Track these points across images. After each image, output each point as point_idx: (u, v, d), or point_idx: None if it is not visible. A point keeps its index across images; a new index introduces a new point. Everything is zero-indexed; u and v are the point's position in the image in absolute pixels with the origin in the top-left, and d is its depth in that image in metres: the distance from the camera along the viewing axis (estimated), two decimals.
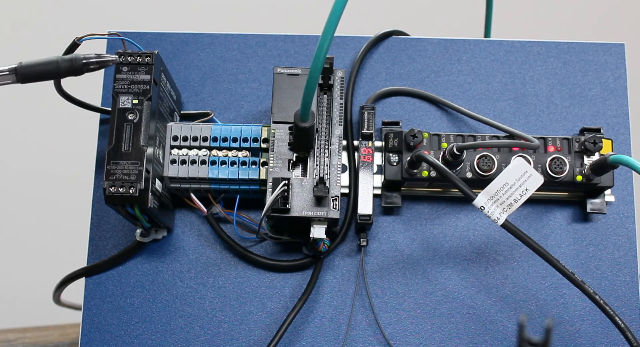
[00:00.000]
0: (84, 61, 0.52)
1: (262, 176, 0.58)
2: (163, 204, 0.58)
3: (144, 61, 0.54)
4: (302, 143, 0.55)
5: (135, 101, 0.54)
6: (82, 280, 0.62)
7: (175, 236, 0.62)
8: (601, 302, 0.55)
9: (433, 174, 0.59)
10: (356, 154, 0.62)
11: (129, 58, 0.54)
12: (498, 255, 0.62)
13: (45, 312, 0.99)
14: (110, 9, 1.36)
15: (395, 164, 0.60)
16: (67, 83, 0.59)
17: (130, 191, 0.52)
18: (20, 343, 0.84)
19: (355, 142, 0.62)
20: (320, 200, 0.55)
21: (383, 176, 0.60)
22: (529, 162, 0.58)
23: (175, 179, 0.58)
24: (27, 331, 0.86)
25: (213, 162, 0.58)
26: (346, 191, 0.61)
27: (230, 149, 0.59)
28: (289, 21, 1.37)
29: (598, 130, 0.61)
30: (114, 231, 0.62)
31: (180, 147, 0.58)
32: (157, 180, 0.55)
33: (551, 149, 0.60)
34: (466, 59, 0.66)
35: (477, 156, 0.59)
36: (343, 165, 0.62)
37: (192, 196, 0.60)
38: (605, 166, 0.57)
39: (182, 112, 0.64)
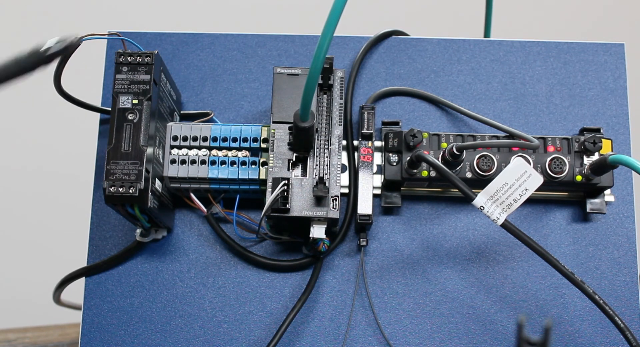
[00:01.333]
0: (47, 53, 0.50)
1: (262, 176, 0.58)
2: (163, 204, 0.58)
3: (144, 61, 0.54)
4: (302, 143, 0.55)
5: (135, 101, 0.54)
6: (82, 280, 0.62)
7: (175, 236, 0.62)
8: (601, 302, 0.55)
9: (433, 174, 0.59)
10: (356, 154, 0.62)
11: (129, 58, 0.54)
12: (498, 255, 0.62)
13: (45, 312, 0.99)
14: (110, 9, 1.36)
15: (395, 164, 0.60)
16: (67, 83, 0.59)
17: (130, 191, 0.52)
18: (20, 343, 0.84)
19: (355, 142, 0.62)
20: (320, 200, 0.55)
21: (383, 176, 0.60)
22: (529, 162, 0.59)
23: (175, 179, 0.58)
24: (27, 331, 0.86)
25: (213, 162, 0.58)
26: (346, 190, 0.61)
27: (230, 149, 0.59)
28: (289, 21, 1.37)
29: (598, 130, 0.62)
30: (114, 231, 0.63)
31: (180, 147, 0.58)
32: (157, 180, 0.55)
33: (551, 149, 0.60)
34: (466, 59, 0.66)
35: (477, 156, 0.59)
36: (343, 165, 0.62)
37: (192, 195, 0.60)
38: (604, 166, 0.57)
39: (182, 112, 0.64)
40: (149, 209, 0.53)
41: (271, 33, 0.67)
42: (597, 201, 0.61)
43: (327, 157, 0.56)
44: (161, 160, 0.57)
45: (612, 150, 0.60)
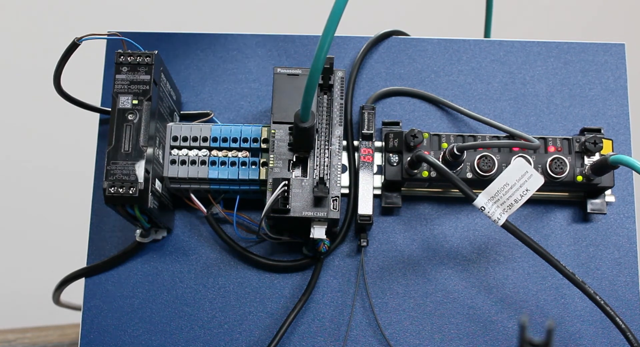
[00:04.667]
0: None
1: (262, 176, 0.58)
2: (163, 205, 0.58)
3: (144, 61, 0.54)
4: (302, 143, 0.55)
5: (135, 101, 0.53)
6: (82, 280, 0.62)
7: (175, 236, 0.62)
8: (601, 302, 0.55)
9: (433, 174, 0.59)
10: (356, 154, 0.62)
11: (129, 58, 0.54)
12: (498, 255, 0.62)
13: (45, 313, 0.99)
14: (110, 9, 1.36)
15: (395, 164, 0.60)
16: (67, 83, 0.59)
17: (130, 191, 0.52)
18: (19, 343, 0.84)
19: (355, 143, 0.62)
20: (320, 200, 0.55)
21: (383, 176, 0.60)
22: (530, 163, 0.58)
23: (175, 179, 0.58)
24: (27, 331, 0.86)
25: (213, 163, 0.58)
26: (346, 191, 0.61)
27: (230, 149, 0.59)
28: (289, 21, 1.36)
29: (598, 131, 0.61)
30: (114, 231, 0.62)
31: (180, 148, 0.58)
32: (157, 180, 0.55)
33: (551, 149, 0.60)
34: (466, 59, 0.66)
35: (478, 156, 0.59)
36: (343, 165, 0.62)
37: (192, 196, 0.60)
38: (605, 166, 0.57)
39: (182, 112, 0.64)
40: (149, 209, 0.53)
41: (271, 33, 0.67)
42: (597, 201, 0.61)
43: (327, 157, 0.56)
44: (161, 161, 0.57)
45: (612, 151, 0.60)
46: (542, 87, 0.65)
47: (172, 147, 0.58)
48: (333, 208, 0.55)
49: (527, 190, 0.54)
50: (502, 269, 0.61)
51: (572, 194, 0.62)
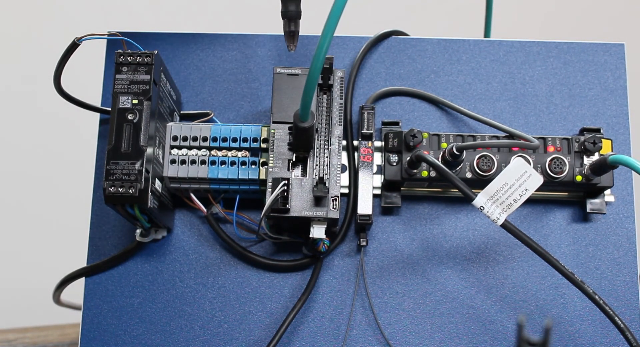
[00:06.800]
0: None
1: (262, 176, 0.58)
2: (163, 204, 0.58)
3: (144, 61, 0.54)
4: (302, 143, 0.55)
5: (135, 101, 0.54)
6: (82, 280, 0.62)
7: (175, 236, 0.62)
8: (601, 302, 0.55)
9: (433, 174, 0.59)
10: (356, 154, 0.62)
11: (128, 58, 0.54)
12: (498, 255, 0.62)
13: (45, 312, 0.99)
14: (110, 9, 1.36)
15: (394, 164, 0.60)
16: (67, 83, 0.59)
17: (130, 191, 0.52)
18: (20, 343, 0.84)
19: (355, 142, 0.62)
20: (319, 200, 0.55)
21: (383, 176, 0.60)
22: (529, 162, 0.59)
23: (175, 179, 0.58)
24: (27, 331, 0.86)
25: (213, 162, 0.58)
26: (346, 191, 0.61)
27: (230, 149, 0.59)
28: None
29: (598, 131, 0.62)
30: (114, 231, 0.63)
31: (180, 147, 0.58)
32: (157, 180, 0.55)
33: (551, 149, 0.60)
34: (466, 59, 0.66)
35: (477, 156, 0.59)
36: (343, 165, 0.62)
37: (192, 196, 0.60)
38: (604, 166, 0.57)
39: (182, 112, 0.64)
40: (149, 209, 0.53)
41: (271, 33, 0.67)
42: (597, 201, 0.61)
43: (327, 157, 0.56)
44: (161, 161, 0.57)
45: (612, 151, 0.60)
46: (541, 87, 0.65)
47: (172, 147, 0.58)
48: (332, 208, 0.55)
49: (526, 190, 0.54)
50: (501, 268, 0.61)
51: (572, 193, 0.62)
